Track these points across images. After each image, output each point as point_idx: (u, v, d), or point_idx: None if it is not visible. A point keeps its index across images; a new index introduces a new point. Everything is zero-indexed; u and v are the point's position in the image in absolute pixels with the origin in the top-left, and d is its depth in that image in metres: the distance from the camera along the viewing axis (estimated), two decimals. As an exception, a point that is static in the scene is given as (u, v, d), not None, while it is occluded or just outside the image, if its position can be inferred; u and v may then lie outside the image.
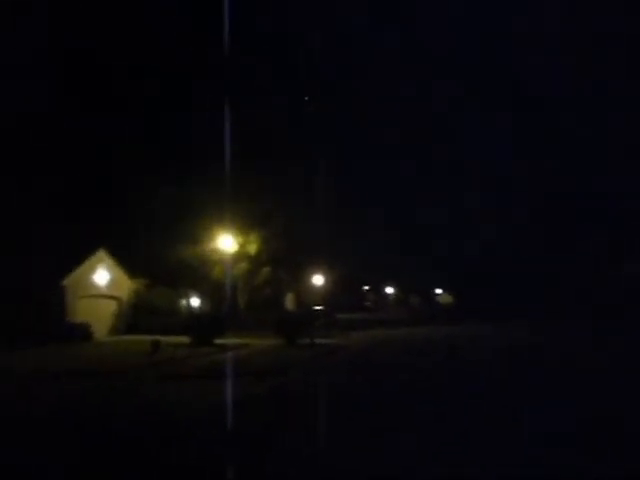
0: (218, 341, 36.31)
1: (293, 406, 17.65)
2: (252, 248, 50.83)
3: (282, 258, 53.68)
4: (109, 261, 46.13)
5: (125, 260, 47.49)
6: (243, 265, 50.64)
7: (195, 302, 52.85)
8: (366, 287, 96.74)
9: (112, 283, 46.30)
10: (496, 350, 33.69)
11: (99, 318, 44.05)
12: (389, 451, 11.86)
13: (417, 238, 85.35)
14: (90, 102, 48.30)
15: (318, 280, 57.75)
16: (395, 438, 12.89)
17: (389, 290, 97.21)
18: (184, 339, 37.15)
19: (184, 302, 52.52)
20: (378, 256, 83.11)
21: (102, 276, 45.48)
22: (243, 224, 47.98)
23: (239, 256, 49.61)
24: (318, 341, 37.14)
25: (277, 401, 18.69)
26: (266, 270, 52.51)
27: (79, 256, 44.34)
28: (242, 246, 49.42)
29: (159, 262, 49.61)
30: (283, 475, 10.66)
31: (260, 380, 22.24)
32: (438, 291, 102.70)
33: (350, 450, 11.95)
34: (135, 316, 47.67)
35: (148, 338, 34.66)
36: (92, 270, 44.94)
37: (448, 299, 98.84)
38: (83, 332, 40.20)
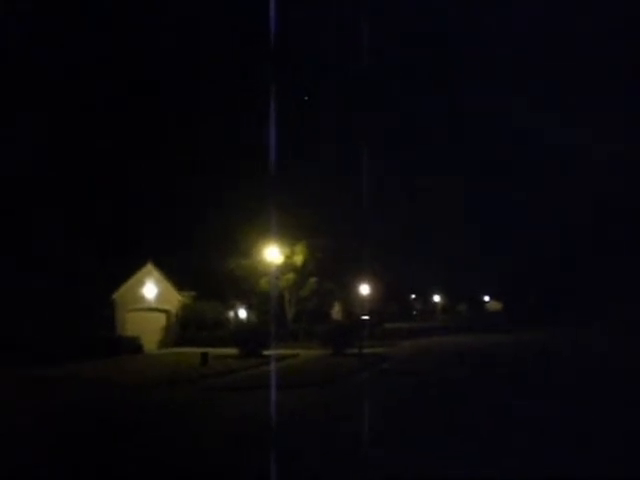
0: (266, 352, 36.34)
1: (341, 417, 17.56)
2: (298, 259, 50.92)
3: (328, 268, 53.60)
4: (157, 274, 46.61)
5: (173, 273, 47.96)
6: (290, 276, 50.71)
7: (242, 314, 53.14)
8: (413, 296, 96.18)
9: (160, 296, 46.74)
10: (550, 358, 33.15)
11: (148, 331, 44.53)
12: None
13: (466, 246, 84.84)
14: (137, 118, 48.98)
15: (365, 290, 57.58)
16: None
17: (436, 298, 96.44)
18: (232, 351, 37.33)
19: (232, 314, 52.80)
20: (426, 264, 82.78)
21: (151, 289, 45.96)
22: (289, 235, 48.12)
23: (286, 267, 49.76)
24: (366, 350, 37.01)
25: (327, 412, 18.64)
26: (313, 281, 52.46)
27: (128, 270, 44.90)
28: (288, 257, 49.57)
29: (206, 274, 50.09)
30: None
31: (312, 389, 22.28)
32: (486, 298, 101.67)
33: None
34: (184, 329, 48.05)
35: (197, 350, 34.92)
36: (141, 284, 45.49)
37: (497, 306, 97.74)
38: (133, 345, 40.67)
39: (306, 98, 53.67)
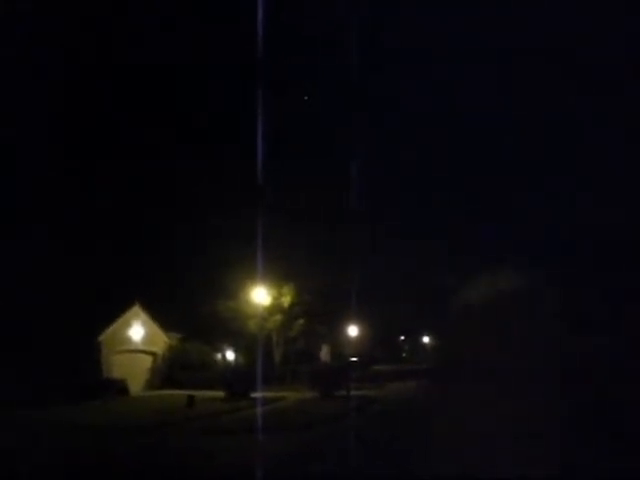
0: (253, 395, 36.04)
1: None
2: (286, 301, 50.87)
3: (316, 310, 53.48)
4: (144, 316, 46.40)
5: (160, 315, 47.72)
6: (277, 318, 50.60)
7: (230, 356, 52.84)
8: (402, 337, 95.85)
9: (147, 338, 46.47)
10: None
11: (135, 373, 44.18)
12: None
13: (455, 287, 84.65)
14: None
15: (353, 331, 57.49)
16: None
17: (425, 339, 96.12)
18: (219, 393, 37.04)
19: (219, 356, 52.50)
20: (413, 305, 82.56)
21: (137, 331, 45.71)
22: (277, 277, 48.12)
23: (273, 309, 49.68)
24: (354, 393, 36.76)
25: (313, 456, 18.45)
26: (300, 322, 52.36)
27: (114, 311, 44.66)
28: (276, 299, 49.52)
29: (193, 316, 49.86)
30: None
31: (295, 434, 22.09)
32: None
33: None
34: (170, 371, 47.67)
35: (183, 393, 34.64)
36: (127, 325, 45.24)
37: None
38: (119, 387, 40.23)
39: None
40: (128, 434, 23.21)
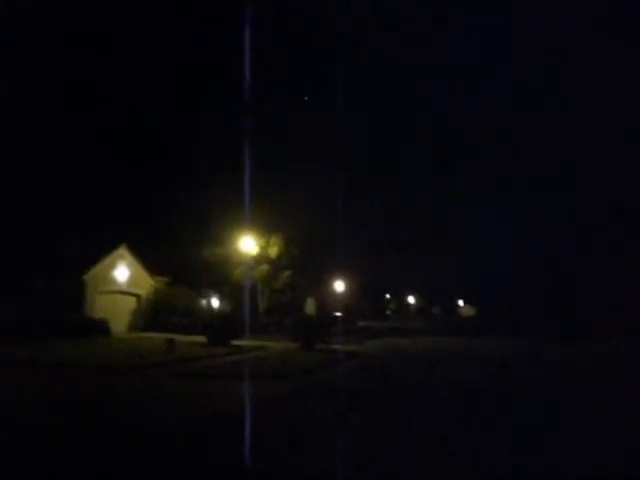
0: (234, 342, 36.14)
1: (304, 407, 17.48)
2: (273, 251, 50.81)
3: (303, 263, 53.48)
4: (130, 258, 46.31)
5: (146, 258, 47.67)
6: (264, 268, 50.60)
7: (215, 302, 52.93)
8: (387, 295, 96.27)
9: (132, 280, 46.45)
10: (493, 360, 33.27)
11: (118, 314, 44.26)
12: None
13: (443, 249, 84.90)
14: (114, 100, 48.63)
15: (339, 286, 57.63)
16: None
17: (411, 299, 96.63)
18: (201, 339, 37.14)
19: (204, 302, 52.58)
20: (401, 264, 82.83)
21: (122, 272, 45.65)
22: (265, 227, 48.00)
23: (260, 259, 49.63)
24: (334, 347, 36.93)
25: (287, 402, 18.52)
26: (286, 274, 52.39)
27: (100, 251, 44.51)
28: (263, 249, 49.44)
29: (181, 261, 49.85)
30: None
31: (272, 381, 22.18)
32: (460, 303, 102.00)
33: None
34: (154, 314, 47.78)
35: (165, 336, 34.70)
36: (113, 266, 45.13)
37: (470, 312, 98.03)
38: (101, 327, 40.29)
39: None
40: (101, 374, 23.24)
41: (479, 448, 12.65)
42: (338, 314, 58.05)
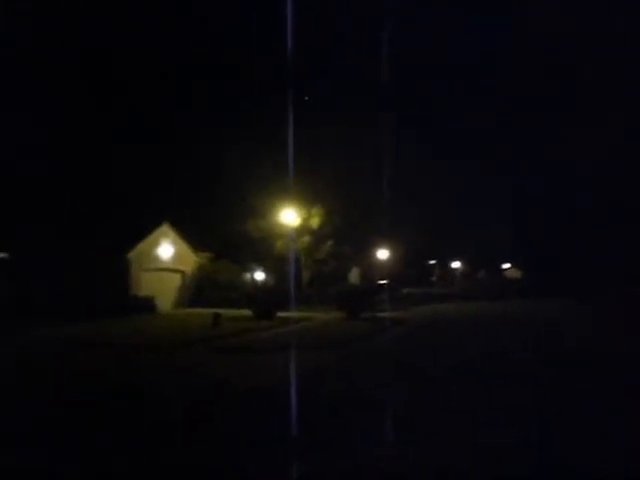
0: (280, 314, 36.09)
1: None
2: (315, 222, 50.53)
3: (346, 232, 53.11)
4: (173, 235, 46.42)
5: (189, 234, 47.79)
6: (306, 239, 50.40)
7: (259, 276, 52.98)
8: (432, 261, 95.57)
9: (176, 256, 46.59)
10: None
11: (163, 291, 44.48)
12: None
13: (487, 212, 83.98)
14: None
15: (383, 254, 57.19)
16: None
17: (456, 264, 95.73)
18: (247, 312, 37.19)
19: (247, 276, 52.66)
20: (446, 230, 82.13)
21: (166, 249, 45.79)
22: (307, 198, 47.68)
23: (302, 230, 49.41)
24: (380, 315, 36.71)
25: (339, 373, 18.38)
26: (329, 244, 52.12)
27: (144, 229, 44.69)
28: (305, 220, 49.17)
29: (223, 236, 49.89)
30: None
31: (318, 352, 22.06)
32: (506, 266, 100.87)
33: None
34: (199, 289, 48.00)
35: (211, 311, 34.78)
36: (156, 243, 45.29)
37: (516, 274, 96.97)
38: (147, 305, 40.59)
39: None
40: (148, 352, 23.34)
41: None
42: (383, 282, 57.70)
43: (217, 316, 32.35)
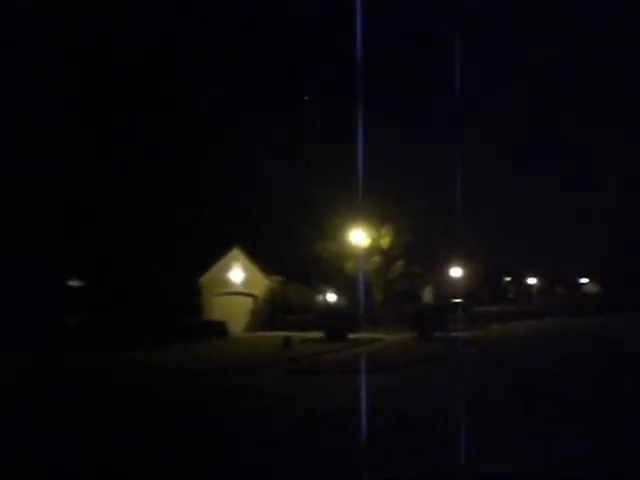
0: (352, 336, 35.77)
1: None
2: (385, 242, 50.11)
3: (416, 251, 52.46)
4: (244, 259, 46.78)
5: (259, 258, 48.05)
6: (376, 259, 50.02)
7: (330, 297, 52.78)
8: (507, 278, 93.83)
9: (247, 280, 46.89)
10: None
11: (235, 315, 44.78)
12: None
13: (563, 227, 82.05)
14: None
15: (456, 272, 56.37)
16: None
17: (531, 280, 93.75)
18: (318, 334, 37.02)
19: (319, 298, 52.51)
20: (521, 246, 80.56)
21: (237, 274, 46.15)
22: (376, 218, 47.37)
23: (372, 250, 49.08)
24: (454, 334, 35.95)
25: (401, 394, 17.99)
26: (400, 264, 51.58)
27: (215, 254, 45.13)
28: (375, 240, 48.84)
29: (293, 259, 49.92)
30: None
31: (389, 374, 21.71)
32: (583, 281, 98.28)
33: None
34: (271, 313, 48.10)
35: (282, 334, 34.76)
36: (227, 268, 45.70)
37: (594, 289, 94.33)
38: (219, 329, 40.87)
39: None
40: (217, 374, 23.42)
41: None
42: (457, 301, 56.83)
43: (288, 339, 32.33)
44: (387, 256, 50.64)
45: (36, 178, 37.13)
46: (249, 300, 47.69)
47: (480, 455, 10.11)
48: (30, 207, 36.23)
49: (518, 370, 22.31)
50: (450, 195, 45.65)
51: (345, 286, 50.42)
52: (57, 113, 38.47)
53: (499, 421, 13.25)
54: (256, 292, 48.01)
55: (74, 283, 41.62)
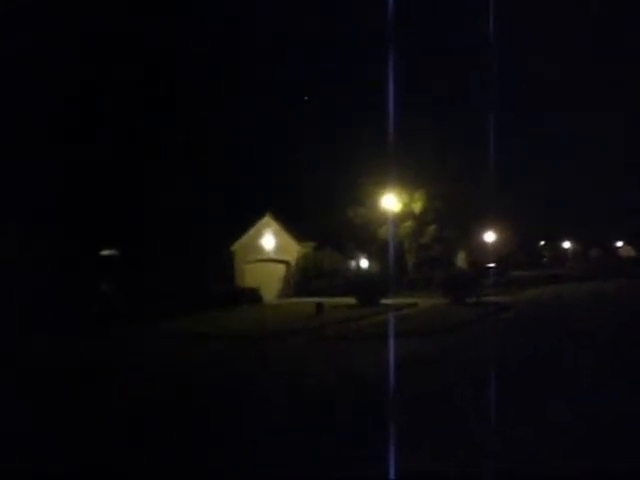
0: (384, 301, 35.67)
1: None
2: (417, 207, 49.78)
3: (449, 216, 51.99)
4: (275, 225, 46.84)
5: (291, 224, 48.02)
6: (408, 224, 49.74)
7: (363, 263, 52.69)
8: (542, 242, 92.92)
9: (279, 247, 46.98)
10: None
11: (268, 282, 44.95)
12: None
13: (596, 188, 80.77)
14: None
15: (490, 237, 55.96)
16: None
17: (566, 244, 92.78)
18: (350, 300, 37.00)
19: (351, 263, 52.44)
20: (556, 209, 79.54)
21: (269, 240, 46.23)
22: (408, 183, 47.03)
23: (404, 215, 48.85)
24: (486, 299, 35.69)
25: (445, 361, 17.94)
26: (432, 229, 51.19)
27: (246, 222, 45.22)
28: (407, 205, 48.59)
29: (325, 225, 49.81)
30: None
31: (422, 339, 21.65)
32: (619, 244, 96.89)
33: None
34: (303, 279, 48.15)
35: (315, 300, 34.82)
36: (259, 235, 45.79)
37: (630, 252, 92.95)
38: (252, 296, 41.06)
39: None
40: (252, 341, 23.57)
41: None
42: (491, 265, 56.42)
43: (320, 305, 32.39)
44: (420, 221, 50.34)
45: (71, 149, 37.32)
46: (281, 267, 47.81)
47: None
48: (64, 178, 36.44)
49: (552, 334, 22.13)
50: (484, 159, 45.26)
51: (377, 252, 50.27)
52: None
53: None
54: (288, 259, 48.09)
55: (107, 252, 41.92)
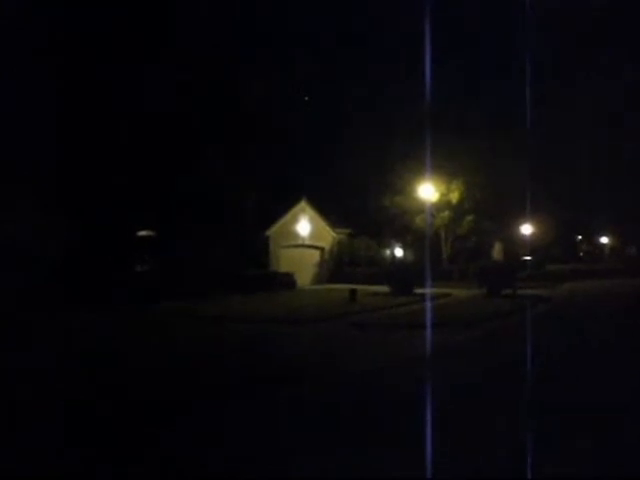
0: (418, 291, 35.57)
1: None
2: (454, 197, 49.43)
3: (488, 207, 51.51)
4: (311, 212, 46.90)
5: (327, 211, 48.06)
6: (445, 214, 49.46)
7: (397, 252, 52.59)
8: (579, 237, 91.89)
9: (314, 233, 47.04)
10: None
11: (302, 267, 45.13)
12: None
13: (636, 185, 79.51)
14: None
15: (527, 230, 55.53)
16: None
17: (604, 240, 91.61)
18: (384, 288, 36.97)
19: (386, 252, 52.38)
20: (593, 204, 78.51)
21: (304, 226, 46.31)
22: (446, 172, 46.76)
23: (441, 205, 48.60)
24: (521, 292, 35.39)
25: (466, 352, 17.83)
26: (469, 219, 50.77)
27: (282, 207, 45.32)
28: (444, 195, 48.31)
29: (361, 212, 49.83)
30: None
31: (454, 330, 21.55)
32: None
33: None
34: (338, 266, 48.25)
35: (349, 287, 34.85)
36: (295, 221, 45.88)
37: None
38: (287, 281, 41.21)
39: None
40: (284, 325, 23.69)
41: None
42: (527, 258, 55.99)
43: (354, 292, 32.40)
44: (456, 211, 49.99)
45: (109, 132, 37.60)
46: (316, 253, 47.92)
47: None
48: (101, 162, 36.74)
49: (586, 329, 21.91)
50: (522, 149, 44.87)
51: (413, 240, 50.21)
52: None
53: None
54: (323, 245, 48.19)
55: (144, 233, 42.24)
